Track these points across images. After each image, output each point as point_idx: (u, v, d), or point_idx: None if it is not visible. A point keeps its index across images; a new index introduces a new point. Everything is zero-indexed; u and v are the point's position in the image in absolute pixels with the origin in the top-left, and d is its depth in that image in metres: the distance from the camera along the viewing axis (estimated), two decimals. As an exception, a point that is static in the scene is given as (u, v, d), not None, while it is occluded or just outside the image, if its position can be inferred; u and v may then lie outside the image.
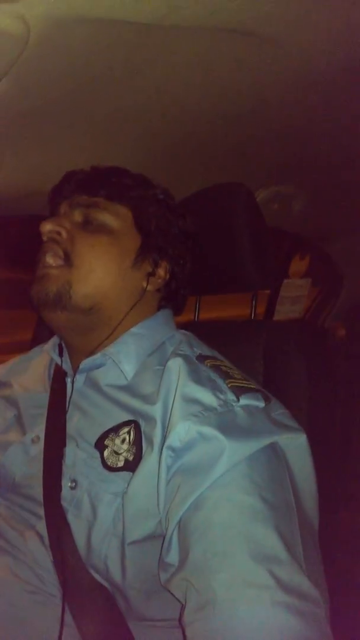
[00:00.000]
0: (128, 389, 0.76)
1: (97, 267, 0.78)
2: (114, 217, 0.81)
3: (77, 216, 0.82)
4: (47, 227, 0.78)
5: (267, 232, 1.02)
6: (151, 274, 0.84)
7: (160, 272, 0.86)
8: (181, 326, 0.93)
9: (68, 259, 0.78)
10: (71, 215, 0.82)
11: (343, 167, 1.26)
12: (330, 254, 1.65)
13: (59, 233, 0.78)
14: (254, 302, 1.07)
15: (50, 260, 0.78)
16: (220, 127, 1.02)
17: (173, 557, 0.60)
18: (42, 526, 0.70)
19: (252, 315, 1.07)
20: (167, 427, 0.66)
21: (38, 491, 0.73)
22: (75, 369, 0.82)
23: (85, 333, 0.81)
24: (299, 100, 0.96)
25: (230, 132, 1.06)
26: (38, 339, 1.03)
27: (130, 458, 0.68)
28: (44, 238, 0.80)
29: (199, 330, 1.03)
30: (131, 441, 0.70)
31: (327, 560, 0.65)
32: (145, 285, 0.84)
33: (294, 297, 1.74)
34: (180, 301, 0.94)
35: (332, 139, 1.13)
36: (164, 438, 0.66)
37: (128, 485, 0.66)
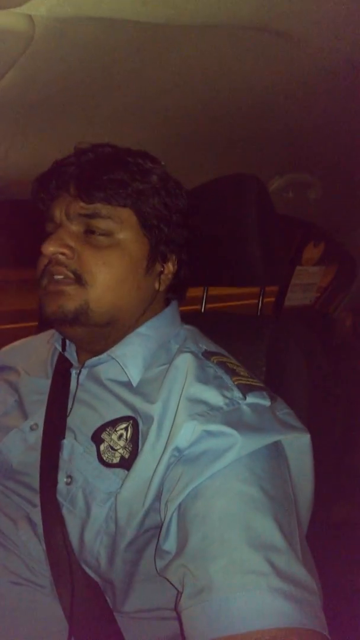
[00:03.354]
0: (129, 384, 0.76)
1: (113, 284, 0.75)
2: (119, 225, 0.76)
3: (77, 226, 0.76)
4: (49, 249, 0.73)
5: (278, 227, 1.00)
6: (161, 272, 0.82)
7: (169, 266, 0.83)
8: (187, 317, 0.92)
9: (80, 279, 0.74)
10: (69, 226, 0.76)
11: (358, 158, 1.22)
12: (344, 243, 1.62)
13: (63, 254, 0.74)
14: (260, 297, 1.06)
15: (59, 281, 0.74)
16: (235, 117, 1.00)
17: (171, 543, 0.61)
18: (35, 514, 0.71)
19: (259, 310, 1.07)
20: (171, 429, 0.67)
21: (34, 479, 0.73)
22: (81, 363, 0.83)
23: (100, 340, 0.80)
24: (315, 92, 0.93)
25: (245, 122, 1.03)
26: (42, 329, 1.05)
27: (126, 455, 0.69)
28: (46, 259, 0.75)
29: (205, 322, 1.03)
30: (128, 438, 0.70)
31: (320, 556, 0.67)
32: (157, 286, 0.82)
33: (305, 285, 1.72)
34: (185, 288, 0.91)
35: (349, 131, 1.09)
36: (160, 438, 0.67)
37: (122, 485, 0.67)
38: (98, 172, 0.75)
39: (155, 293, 0.82)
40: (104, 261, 0.75)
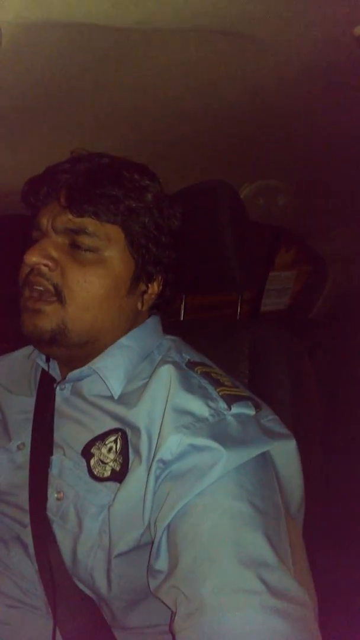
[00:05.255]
0: (114, 398, 0.75)
1: (92, 304, 0.73)
2: (106, 242, 0.74)
3: (63, 239, 0.74)
4: (32, 259, 0.71)
5: (251, 233, 1.01)
6: (145, 292, 0.80)
7: (154, 286, 0.81)
8: (167, 326, 0.91)
9: (60, 296, 0.72)
10: (55, 237, 0.74)
11: (327, 163, 1.24)
12: (315, 247, 1.65)
13: (46, 265, 0.72)
14: (239, 303, 1.07)
15: (39, 291, 0.72)
16: (206, 122, 1.01)
17: (162, 563, 0.60)
18: (26, 534, 0.70)
19: (238, 315, 1.07)
20: (158, 440, 0.65)
21: (23, 499, 0.72)
22: (63, 377, 0.81)
23: (80, 359, 0.78)
24: (285, 98, 0.94)
25: (216, 128, 1.04)
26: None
27: (117, 468, 0.68)
28: (28, 268, 0.74)
29: (185, 330, 1.02)
30: (118, 450, 0.69)
31: (311, 558, 0.66)
32: (140, 307, 0.80)
33: (279, 290, 1.74)
34: (170, 305, 0.89)
35: (318, 136, 1.11)
36: (151, 450, 0.66)
37: (114, 497, 0.65)
38: (90, 185, 0.73)
39: (137, 313, 0.80)
40: (85, 279, 0.72)
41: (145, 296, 0.80)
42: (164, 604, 0.59)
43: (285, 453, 0.69)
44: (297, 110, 1.01)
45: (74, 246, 0.73)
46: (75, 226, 0.73)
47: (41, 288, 0.72)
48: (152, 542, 0.62)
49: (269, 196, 1.39)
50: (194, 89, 0.86)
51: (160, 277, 0.81)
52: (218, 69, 0.81)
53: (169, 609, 0.58)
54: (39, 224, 0.76)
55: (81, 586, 0.66)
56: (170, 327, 0.92)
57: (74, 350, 0.75)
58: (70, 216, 0.72)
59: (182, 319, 1.17)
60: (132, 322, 0.80)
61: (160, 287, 0.82)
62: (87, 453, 0.71)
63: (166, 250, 0.80)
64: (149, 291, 0.80)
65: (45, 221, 0.75)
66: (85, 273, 0.72)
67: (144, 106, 0.87)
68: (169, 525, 0.60)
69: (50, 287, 0.72)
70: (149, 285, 0.80)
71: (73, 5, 0.54)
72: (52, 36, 0.62)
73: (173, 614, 0.56)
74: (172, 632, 0.56)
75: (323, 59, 0.82)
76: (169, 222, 0.80)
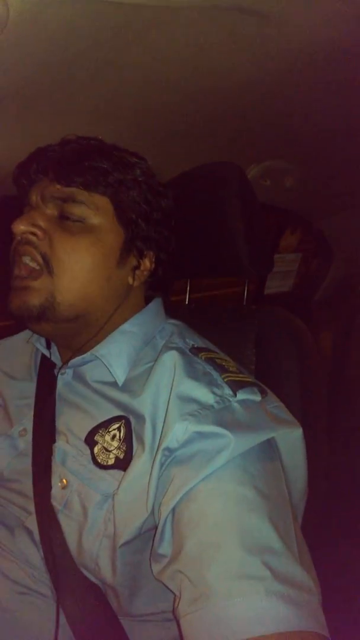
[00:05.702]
0: (117, 384, 0.74)
1: (81, 273, 0.72)
2: (94, 211, 0.73)
3: (51, 209, 0.74)
4: (20, 227, 0.71)
5: (261, 217, 0.99)
6: (136, 267, 0.79)
7: (146, 263, 0.80)
8: (172, 308, 0.90)
9: (48, 265, 0.71)
10: (44, 209, 0.74)
11: (335, 144, 1.22)
12: (321, 229, 1.62)
13: (34, 234, 0.71)
14: (245, 288, 1.06)
15: (27, 267, 0.72)
16: (212, 103, 0.98)
17: (166, 548, 0.60)
18: (31, 521, 0.69)
19: (245, 301, 1.06)
20: (163, 428, 0.65)
21: (27, 486, 0.71)
22: (64, 362, 0.80)
23: (72, 336, 0.78)
24: (293, 76, 0.91)
25: (223, 108, 1.01)
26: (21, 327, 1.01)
27: (121, 456, 0.67)
28: (17, 238, 0.73)
29: (190, 313, 1.01)
30: (121, 438, 0.68)
31: (311, 553, 0.66)
32: (131, 281, 0.79)
33: (284, 272, 1.73)
34: (167, 285, 0.89)
35: (326, 117, 1.09)
36: (155, 438, 0.65)
37: (119, 485, 0.65)
38: (79, 158, 0.73)
39: (128, 288, 0.79)
40: (73, 247, 0.72)
41: (137, 272, 0.79)
42: (168, 588, 0.59)
43: (291, 441, 0.68)
44: (308, 87, 0.98)
45: (63, 217, 0.73)
46: (64, 195, 0.73)
47: (29, 260, 0.72)
48: (156, 527, 0.62)
49: (276, 177, 1.36)
50: (202, 66, 0.83)
51: (152, 254, 0.81)
52: (229, 48, 0.78)
53: (173, 593, 0.57)
54: (29, 200, 0.76)
55: (87, 574, 0.66)
56: (174, 309, 0.91)
57: (65, 326, 0.74)
58: (58, 186, 0.72)
59: (187, 302, 1.16)
60: (124, 297, 0.79)
61: (153, 265, 0.81)
62: (90, 440, 0.70)
63: (157, 228, 0.80)
64: (141, 267, 0.80)
65: (34, 196, 0.75)
66: (74, 242, 0.72)
67: (150, 84, 0.85)
68: (173, 510, 0.60)
69: (39, 257, 0.71)
70: (141, 260, 0.80)
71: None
72: (59, 12, 0.59)
73: (177, 599, 0.56)
74: (175, 616, 0.56)
75: (330, 38, 0.79)
76: (159, 199, 0.80)
